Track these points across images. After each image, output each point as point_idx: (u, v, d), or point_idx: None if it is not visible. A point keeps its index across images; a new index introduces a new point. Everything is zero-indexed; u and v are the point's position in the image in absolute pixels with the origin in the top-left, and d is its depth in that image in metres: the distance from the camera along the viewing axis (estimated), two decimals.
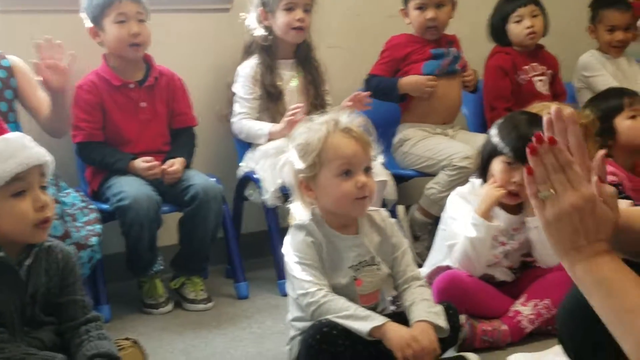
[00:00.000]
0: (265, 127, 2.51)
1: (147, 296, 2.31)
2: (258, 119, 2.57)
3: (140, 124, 2.39)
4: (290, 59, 2.63)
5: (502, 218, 1.94)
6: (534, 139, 0.96)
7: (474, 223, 1.88)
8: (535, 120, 1.91)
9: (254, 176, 2.49)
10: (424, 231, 2.64)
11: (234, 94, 2.60)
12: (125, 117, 2.37)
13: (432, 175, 2.60)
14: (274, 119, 2.56)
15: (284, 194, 2.38)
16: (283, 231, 2.35)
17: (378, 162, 1.73)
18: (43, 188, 1.49)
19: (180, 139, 2.46)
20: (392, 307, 1.78)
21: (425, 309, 1.60)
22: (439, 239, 2.07)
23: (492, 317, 1.88)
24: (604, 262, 0.93)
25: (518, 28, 2.86)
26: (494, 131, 1.95)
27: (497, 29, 2.91)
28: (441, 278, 1.89)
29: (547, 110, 2.21)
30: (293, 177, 1.64)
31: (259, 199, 2.48)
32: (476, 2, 3.03)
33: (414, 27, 2.74)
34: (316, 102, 2.59)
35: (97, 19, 2.31)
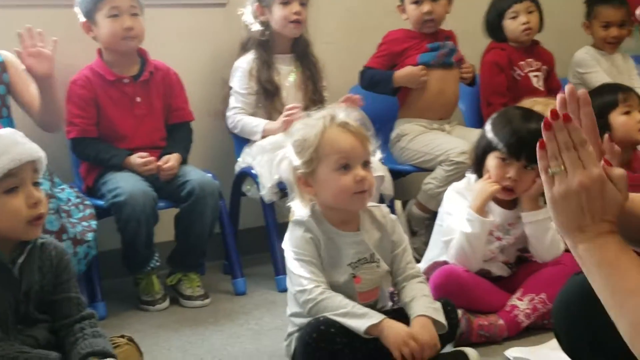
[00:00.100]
0: (260, 123, 2.50)
1: (143, 293, 2.31)
2: (253, 114, 2.57)
3: (136, 119, 2.38)
4: (287, 53, 2.62)
5: (497, 213, 1.94)
6: (549, 114, 0.95)
7: (469, 219, 1.88)
8: (529, 115, 1.91)
9: (252, 172, 2.49)
10: (421, 226, 2.64)
11: (230, 88, 2.59)
12: (120, 113, 2.36)
13: (430, 170, 2.60)
14: (270, 115, 2.56)
15: (282, 189, 2.38)
16: (281, 227, 2.36)
17: (375, 158, 1.71)
18: (36, 184, 1.48)
19: (177, 135, 2.45)
20: (390, 303, 1.78)
21: (426, 305, 1.60)
22: (436, 235, 2.07)
23: (489, 312, 1.88)
24: (606, 243, 0.92)
25: (514, 24, 2.86)
26: (488, 127, 1.95)
27: (493, 25, 2.91)
28: (438, 273, 1.89)
29: (538, 105, 2.21)
30: (291, 174, 1.63)
31: (256, 195, 2.48)
32: None
33: (411, 22, 2.74)
34: (314, 98, 2.59)
35: (90, 13, 2.31)
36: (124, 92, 2.37)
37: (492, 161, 1.91)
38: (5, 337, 1.43)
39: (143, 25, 2.35)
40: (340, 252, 1.62)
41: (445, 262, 1.95)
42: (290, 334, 1.66)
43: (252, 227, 2.71)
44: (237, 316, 2.18)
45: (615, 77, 3.01)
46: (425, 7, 2.67)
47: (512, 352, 1.76)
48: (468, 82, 2.81)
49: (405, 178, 2.86)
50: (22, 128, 1.69)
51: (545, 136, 0.96)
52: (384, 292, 1.72)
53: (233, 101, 2.57)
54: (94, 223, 2.12)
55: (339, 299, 1.55)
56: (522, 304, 1.88)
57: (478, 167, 1.97)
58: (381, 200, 2.37)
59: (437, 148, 2.57)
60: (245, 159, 2.55)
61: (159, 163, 2.29)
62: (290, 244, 1.62)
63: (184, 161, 2.38)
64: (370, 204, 1.68)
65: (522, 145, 1.85)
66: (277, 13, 2.54)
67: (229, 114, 2.57)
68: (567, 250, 1.96)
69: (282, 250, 1.60)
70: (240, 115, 2.55)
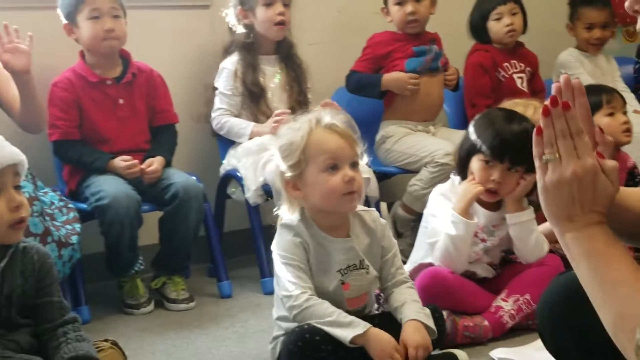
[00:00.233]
0: (248, 126, 2.49)
1: (127, 296, 2.29)
2: (238, 116, 2.56)
3: (119, 121, 2.36)
4: (272, 54, 2.62)
5: (481, 215, 1.95)
6: (549, 101, 0.95)
7: (453, 221, 1.88)
8: (512, 117, 1.92)
9: (237, 174, 2.48)
10: (406, 228, 2.65)
11: (214, 89, 2.58)
12: (103, 115, 2.34)
13: (415, 172, 2.61)
14: (256, 118, 2.55)
15: (266, 191, 2.38)
16: (266, 229, 2.36)
17: (363, 162, 1.71)
18: (17, 188, 1.47)
19: (161, 137, 2.44)
20: (375, 305, 1.78)
21: (416, 309, 1.60)
22: (421, 236, 2.07)
23: (474, 313, 1.89)
24: (595, 233, 0.92)
25: (498, 26, 2.88)
26: (471, 129, 1.95)
27: (477, 27, 2.93)
28: (423, 275, 1.90)
29: (518, 106, 2.23)
30: (279, 179, 1.62)
31: (241, 197, 2.47)
32: (456, 0, 3.04)
33: (395, 24, 2.75)
34: (299, 99, 2.59)
35: (71, 15, 2.29)
36: (107, 94, 2.35)
37: (475, 164, 1.92)
38: None
39: (125, 27, 2.34)
40: (330, 258, 1.61)
41: (430, 264, 1.96)
42: (275, 337, 1.65)
43: (237, 230, 2.70)
44: (222, 319, 2.17)
45: (599, 78, 3.03)
46: (409, 8, 2.68)
47: (497, 352, 1.77)
48: (452, 88, 2.82)
49: (391, 180, 2.87)
50: (4, 131, 1.66)
51: (543, 123, 0.95)
52: (371, 297, 1.72)
53: (218, 102, 2.56)
54: (77, 226, 2.10)
55: (324, 307, 1.54)
56: (506, 305, 1.89)
57: (462, 169, 1.97)
58: (367, 202, 2.37)
59: (422, 150, 2.58)
60: (230, 161, 2.55)
61: (143, 166, 2.28)
62: (278, 248, 1.61)
63: (168, 164, 2.37)
64: (360, 208, 1.67)
65: (505, 147, 1.86)
66: (261, 15, 2.54)
67: (214, 115, 2.56)
68: (551, 252, 1.98)
69: (267, 253, 1.59)
70: (227, 117, 2.54)
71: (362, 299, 1.67)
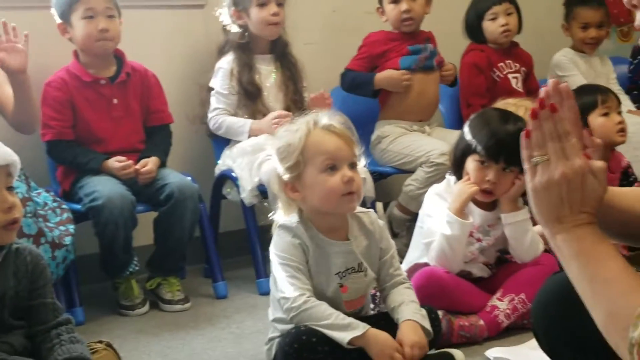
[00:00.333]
0: (246, 123, 2.48)
1: (122, 297, 2.29)
2: (235, 115, 2.55)
3: (113, 121, 2.35)
4: (267, 54, 2.61)
5: (477, 215, 1.95)
6: (537, 103, 0.96)
7: (449, 221, 1.88)
8: (507, 117, 1.92)
9: (232, 174, 2.48)
10: (402, 228, 2.65)
11: (209, 90, 2.58)
12: (97, 115, 2.33)
13: (410, 172, 2.60)
14: (253, 117, 2.54)
15: (262, 192, 2.37)
16: (261, 230, 2.36)
17: (361, 164, 1.70)
18: (10, 189, 1.46)
19: (156, 137, 2.43)
20: (372, 305, 1.78)
21: (414, 310, 1.60)
22: (417, 236, 2.07)
23: (470, 313, 1.89)
24: (584, 233, 0.93)
25: (493, 26, 2.89)
26: (466, 129, 1.95)
27: (472, 27, 2.93)
28: (419, 275, 1.90)
29: (510, 106, 2.23)
30: (277, 182, 1.61)
31: (236, 198, 2.47)
32: (452, 0, 3.04)
33: (390, 23, 2.75)
34: (295, 98, 2.58)
35: (65, 14, 2.29)
36: (101, 94, 2.35)
37: (471, 164, 1.92)
38: None
39: (119, 27, 2.33)
40: (329, 260, 1.60)
41: (426, 264, 1.96)
42: (271, 339, 1.65)
43: (232, 230, 2.70)
44: (218, 320, 2.16)
45: (593, 80, 3.03)
46: (404, 6, 2.68)
47: (492, 352, 1.77)
48: (450, 83, 2.83)
49: (386, 180, 2.87)
50: None
51: (531, 125, 0.96)
52: (368, 299, 1.72)
53: (215, 102, 2.55)
54: (71, 227, 2.10)
55: (322, 309, 1.53)
56: (502, 305, 1.89)
57: (457, 169, 1.97)
58: (362, 202, 2.36)
59: (417, 150, 2.58)
60: (225, 162, 2.54)
61: (137, 167, 2.27)
62: (276, 249, 1.60)
63: (162, 164, 2.36)
64: (358, 209, 1.66)
65: (500, 147, 1.86)
66: (255, 15, 2.53)
67: (211, 115, 2.55)
68: (546, 251, 1.98)
69: (263, 253, 1.58)
70: (224, 116, 2.53)
71: (359, 302, 1.66)
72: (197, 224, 2.34)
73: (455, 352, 1.67)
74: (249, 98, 2.54)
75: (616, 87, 3.07)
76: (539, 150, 0.95)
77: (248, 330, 2.06)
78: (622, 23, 3.75)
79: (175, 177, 2.28)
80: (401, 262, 2.04)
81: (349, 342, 1.50)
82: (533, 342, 1.32)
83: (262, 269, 2.38)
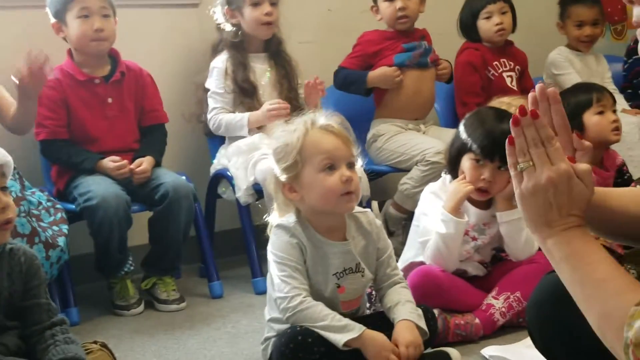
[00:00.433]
0: (244, 116, 2.47)
1: (117, 297, 2.28)
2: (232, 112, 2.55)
3: (107, 120, 2.35)
4: (261, 52, 2.61)
5: (472, 213, 1.95)
6: (517, 110, 0.96)
7: (443, 219, 1.89)
8: (502, 116, 1.92)
9: (227, 173, 2.47)
10: (398, 227, 2.65)
11: (206, 90, 2.57)
12: (91, 114, 2.33)
13: (406, 170, 2.60)
14: None
15: (257, 191, 2.37)
16: (257, 229, 2.35)
17: (358, 164, 1.70)
18: (3, 189, 1.45)
19: (151, 137, 2.43)
20: (367, 304, 1.78)
21: (410, 310, 1.61)
22: (413, 235, 2.07)
23: (466, 311, 1.89)
24: (574, 236, 0.94)
25: (487, 25, 2.89)
26: (461, 128, 1.96)
27: (467, 25, 2.94)
28: (415, 274, 1.90)
29: (503, 105, 2.23)
30: (274, 183, 1.60)
31: (232, 197, 2.46)
32: None
33: (385, 21, 2.75)
34: (290, 96, 2.58)
35: (60, 13, 2.28)
36: (95, 93, 2.34)
37: (466, 162, 1.92)
38: None
39: (114, 27, 2.32)
40: (326, 261, 1.60)
41: (422, 263, 1.96)
42: (267, 339, 1.64)
43: (228, 230, 2.69)
44: (213, 320, 2.16)
45: (588, 78, 3.03)
46: (399, 3, 2.68)
47: (488, 350, 1.77)
48: (446, 80, 2.83)
49: (382, 178, 2.87)
50: None
51: (513, 132, 0.97)
52: (364, 299, 1.72)
53: (212, 102, 2.54)
54: (65, 227, 2.09)
55: (318, 310, 1.53)
56: (497, 303, 1.90)
57: (453, 168, 1.98)
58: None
59: (413, 148, 2.58)
60: (221, 161, 2.53)
61: (132, 166, 2.26)
62: (274, 248, 1.59)
63: (157, 164, 2.35)
64: (356, 209, 1.66)
65: (495, 146, 1.86)
66: (248, 15, 2.53)
67: (210, 115, 2.54)
68: (540, 249, 1.98)
69: (258, 253, 1.58)
70: (222, 115, 2.52)
71: (356, 302, 1.67)
72: (192, 224, 2.33)
73: (451, 350, 1.67)
74: (245, 95, 2.54)
75: (611, 86, 3.08)
76: (523, 156, 0.96)
77: (243, 330, 2.06)
78: (615, 21, 3.76)
79: (170, 177, 2.27)
80: (397, 261, 2.05)
81: (345, 344, 1.50)
82: (528, 341, 1.32)
83: (257, 269, 2.38)
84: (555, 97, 1.01)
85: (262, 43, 2.61)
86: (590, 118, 2.30)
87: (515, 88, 2.92)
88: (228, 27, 2.57)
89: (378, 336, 1.53)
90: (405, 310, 1.60)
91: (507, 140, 0.98)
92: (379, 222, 1.72)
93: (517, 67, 2.96)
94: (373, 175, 2.69)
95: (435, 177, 2.27)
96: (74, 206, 2.20)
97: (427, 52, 2.74)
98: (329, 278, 1.60)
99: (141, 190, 2.27)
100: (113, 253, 2.20)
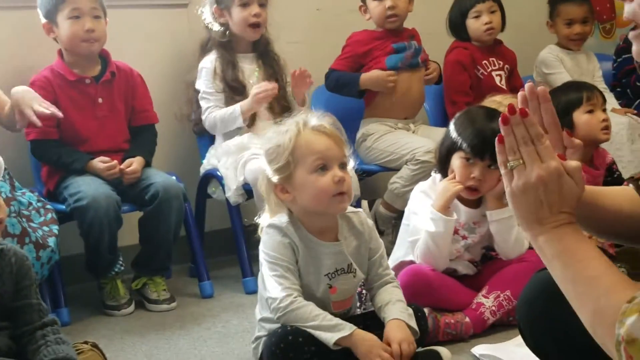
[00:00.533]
0: (235, 108, 2.45)
1: (108, 298, 2.27)
2: None
3: (98, 121, 2.34)
4: (249, 52, 2.61)
5: (462, 212, 1.96)
6: (506, 109, 0.97)
7: (432, 218, 1.89)
8: (492, 114, 1.93)
9: (217, 173, 2.47)
10: (388, 226, 2.65)
11: (196, 91, 2.56)
12: (82, 114, 2.32)
13: (396, 169, 2.61)
14: None
15: (247, 191, 2.37)
16: (246, 229, 2.35)
17: (350, 165, 1.70)
18: None
19: (141, 137, 2.42)
20: (358, 304, 1.78)
21: (400, 309, 1.61)
22: (403, 234, 2.08)
23: (456, 310, 1.90)
24: (565, 233, 0.94)
25: (476, 24, 2.90)
26: (451, 126, 1.96)
27: (456, 25, 2.94)
28: (405, 273, 1.90)
29: (493, 103, 2.24)
30: (266, 184, 1.60)
31: (222, 197, 2.46)
32: None
33: (374, 20, 2.75)
34: (279, 95, 2.57)
35: (51, 14, 2.27)
36: (85, 93, 2.33)
37: (456, 161, 1.93)
38: None
39: (105, 28, 2.32)
40: (318, 261, 1.60)
41: (412, 262, 1.97)
42: (258, 338, 1.65)
43: (218, 230, 2.69)
44: (204, 319, 2.16)
45: (579, 77, 3.05)
46: (388, 2, 2.68)
47: (478, 349, 1.78)
48: (434, 83, 2.83)
49: (372, 178, 2.87)
50: None
51: (503, 131, 0.98)
52: (355, 299, 1.73)
53: (204, 103, 2.52)
54: (55, 228, 2.08)
55: (309, 310, 1.53)
56: (487, 302, 1.91)
57: (443, 167, 1.98)
58: None
59: (402, 147, 2.59)
60: (210, 161, 2.53)
61: (122, 167, 2.26)
62: (266, 248, 1.59)
63: (147, 164, 2.35)
64: (348, 209, 1.66)
65: (485, 145, 1.87)
66: (237, 15, 2.52)
67: (204, 116, 2.51)
68: (531, 248, 1.99)
69: (249, 253, 1.58)
70: (214, 112, 2.51)
71: (347, 302, 1.67)
72: (183, 224, 2.33)
73: (441, 349, 1.68)
74: (235, 94, 2.53)
75: (602, 85, 3.09)
76: (513, 154, 0.96)
77: (234, 330, 2.06)
78: (604, 20, 3.79)
79: (160, 177, 2.27)
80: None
81: (336, 343, 1.50)
82: (519, 339, 1.33)
83: (247, 268, 2.38)
84: (544, 96, 1.02)
85: (250, 43, 2.60)
86: (580, 117, 2.32)
87: (504, 87, 2.93)
88: (216, 27, 2.57)
89: (368, 335, 1.54)
90: (395, 310, 1.61)
91: (497, 138, 0.98)
92: (371, 222, 1.72)
93: (506, 66, 2.97)
94: (363, 174, 2.69)
95: (425, 176, 2.28)
96: (64, 206, 2.19)
97: (417, 52, 2.75)
98: (321, 278, 1.61)
99: (131, 190, 2.27)
100: (103, 253, 2.19)
